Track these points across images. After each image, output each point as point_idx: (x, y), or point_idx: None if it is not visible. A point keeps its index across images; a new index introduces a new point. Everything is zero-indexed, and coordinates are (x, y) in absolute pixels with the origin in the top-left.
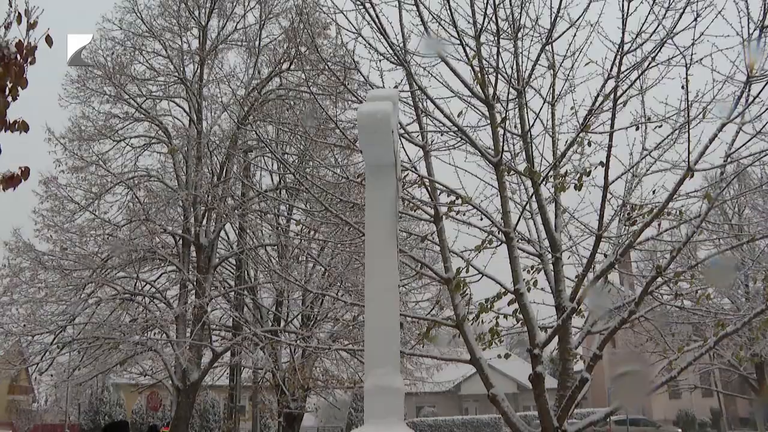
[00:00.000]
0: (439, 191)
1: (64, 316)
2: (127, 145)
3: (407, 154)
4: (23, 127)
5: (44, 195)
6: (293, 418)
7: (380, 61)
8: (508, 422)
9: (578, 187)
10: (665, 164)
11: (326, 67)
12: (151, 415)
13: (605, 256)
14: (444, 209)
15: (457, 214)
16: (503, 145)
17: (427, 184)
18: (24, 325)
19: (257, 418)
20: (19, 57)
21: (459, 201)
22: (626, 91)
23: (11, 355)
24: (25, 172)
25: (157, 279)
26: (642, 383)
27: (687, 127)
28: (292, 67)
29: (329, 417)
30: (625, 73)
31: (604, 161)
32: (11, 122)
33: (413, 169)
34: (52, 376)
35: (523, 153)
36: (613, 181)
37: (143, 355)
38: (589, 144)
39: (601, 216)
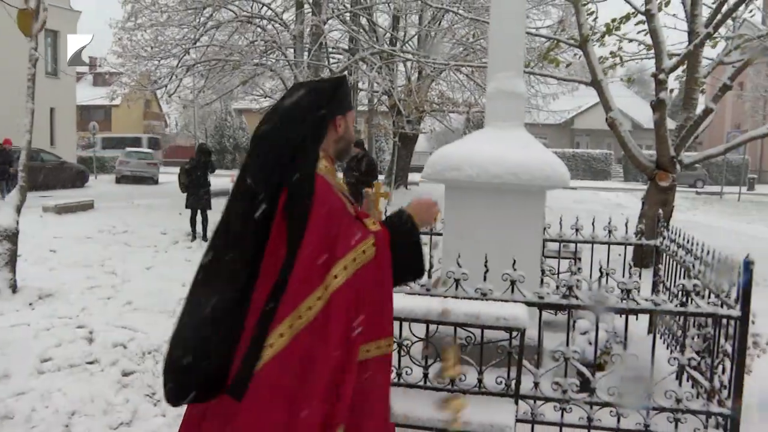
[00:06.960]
0: None
1: (185, 40)
2: None
3: None
4: None
5: None
6: (408, 140)
7: None
8: (624, 147)
9: None
10: None
11: None
12: None
13: None
14: None
15: None
16: None
17: None
18: (151, 48)
19: (372, 140)
20: None
21: None
22: None
23: (142, 79)
24: None
25: (273, 1)
26: None
27: None
28: None
29: (442, 142)
30: None
31: None
32: None
33: None
34: (180, 97)
35: None
36: None
37: (263, 76)
38: None
39: None
